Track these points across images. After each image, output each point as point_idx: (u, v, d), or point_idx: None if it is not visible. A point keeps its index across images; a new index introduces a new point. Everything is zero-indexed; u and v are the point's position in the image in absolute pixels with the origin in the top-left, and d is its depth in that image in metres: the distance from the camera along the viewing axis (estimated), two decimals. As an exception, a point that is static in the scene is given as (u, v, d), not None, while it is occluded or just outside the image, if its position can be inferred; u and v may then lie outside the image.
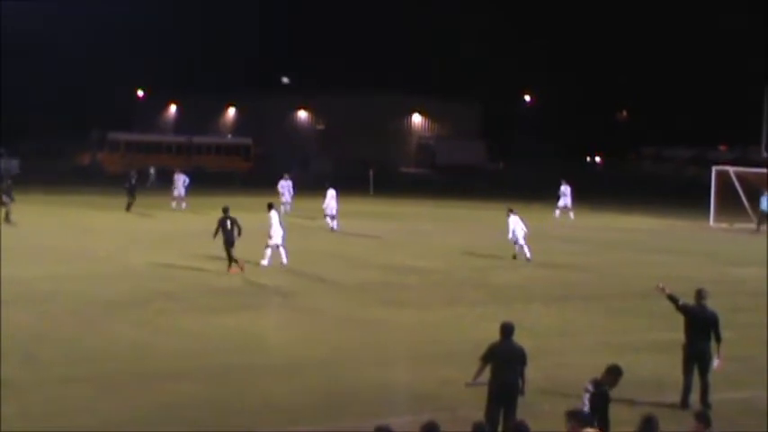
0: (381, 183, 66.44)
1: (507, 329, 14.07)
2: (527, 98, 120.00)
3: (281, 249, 29.88)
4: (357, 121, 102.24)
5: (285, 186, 47.59)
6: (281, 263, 29.59)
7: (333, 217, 41.00)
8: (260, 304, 24.41)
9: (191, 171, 56.79)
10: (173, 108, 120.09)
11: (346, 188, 60.27)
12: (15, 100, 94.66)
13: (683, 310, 16.45)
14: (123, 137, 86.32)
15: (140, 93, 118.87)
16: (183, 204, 48.88)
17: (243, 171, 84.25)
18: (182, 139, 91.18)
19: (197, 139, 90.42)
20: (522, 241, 32.88)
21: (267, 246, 29.72)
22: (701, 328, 16.27)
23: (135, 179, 48.27)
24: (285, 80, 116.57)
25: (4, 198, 39.26)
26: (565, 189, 50.05)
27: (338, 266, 30.94)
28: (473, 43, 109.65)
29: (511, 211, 33.79)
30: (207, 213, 42.94)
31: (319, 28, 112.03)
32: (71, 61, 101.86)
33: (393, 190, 66.06)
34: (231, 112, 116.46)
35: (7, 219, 38.59)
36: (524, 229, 33.10)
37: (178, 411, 15.23)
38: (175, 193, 49.61)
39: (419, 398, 16.21)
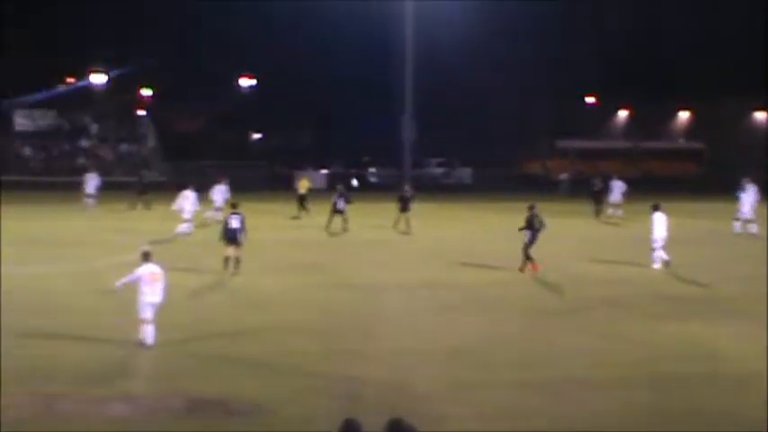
0: None
1: None
2: None
3: (661, 252, 29.89)
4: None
5: (750, 191, 45.47)
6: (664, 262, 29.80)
7: (748, 221, 40.66)
8: (708, 312, 23.50)
9: (638, 177, 56.25)
10: (622, 114, 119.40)
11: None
12: (478, 113, 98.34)
13: None
14: (571, 144, 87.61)
15: (590, 99, 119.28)
16: (619, 211, 48.44)
17: (694, 176, 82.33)
18: (629, 144, 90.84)
19: (645, 145, 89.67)
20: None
21: (653, 249, 30.06)
22: None
23: (599, 186, 48.91)
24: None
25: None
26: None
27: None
28: None
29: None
30: (642, 220, 42.40)
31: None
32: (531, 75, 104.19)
33: None
34: (683, 116, 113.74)
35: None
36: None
37: (626, 419, 15.02)
38: (611, 199, 49.38)
39: None
